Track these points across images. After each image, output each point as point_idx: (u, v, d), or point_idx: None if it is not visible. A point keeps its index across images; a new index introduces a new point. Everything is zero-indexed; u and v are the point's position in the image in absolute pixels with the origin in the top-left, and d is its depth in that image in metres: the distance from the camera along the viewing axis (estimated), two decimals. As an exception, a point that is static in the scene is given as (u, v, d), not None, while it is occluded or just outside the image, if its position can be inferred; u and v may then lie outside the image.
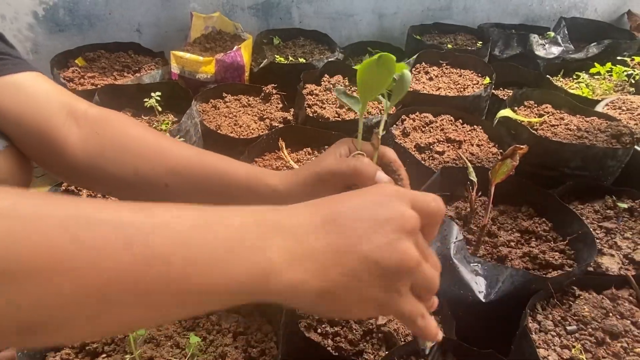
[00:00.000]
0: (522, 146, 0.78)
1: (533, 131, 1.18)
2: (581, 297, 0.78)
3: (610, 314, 0.75)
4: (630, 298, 0.78)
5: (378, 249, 0.37)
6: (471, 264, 0.84)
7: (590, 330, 0.73)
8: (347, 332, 0.73)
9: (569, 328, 0.74)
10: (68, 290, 0.28)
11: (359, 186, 0.60)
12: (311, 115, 1.24)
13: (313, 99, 1.33)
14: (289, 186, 0.61)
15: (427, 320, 0.40)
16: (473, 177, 0.91)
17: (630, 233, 0.99)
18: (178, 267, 0.31)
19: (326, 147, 1.13)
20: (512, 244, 0.91)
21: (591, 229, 0.94)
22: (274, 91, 1.40)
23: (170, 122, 0.88)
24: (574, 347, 0.71)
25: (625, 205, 1.05)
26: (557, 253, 0.88)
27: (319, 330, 0.73)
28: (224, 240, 0.33)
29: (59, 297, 0.28)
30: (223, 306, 0.35)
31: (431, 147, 1.16)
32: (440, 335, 0.41)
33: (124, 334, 0.68)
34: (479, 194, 0.94)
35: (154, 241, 0.30)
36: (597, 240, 0.95)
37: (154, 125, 0.94)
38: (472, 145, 1.20)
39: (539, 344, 0.72)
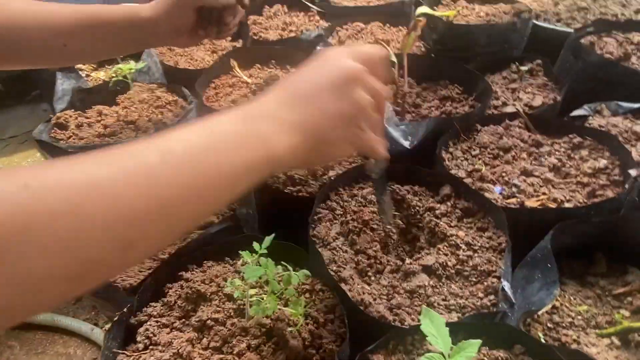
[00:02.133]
0: (420, 19, 0.97)
1: (446, 21, 1.36)
2: (483, 131, 1.00)
3: (504, 137, 0.97)
4: (520, 124, 1.00)
5: (335, 104, 0.49)
6: (399, 127, 1.04)
7: (488, 150, 0.95)
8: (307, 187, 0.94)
9: (473, 152, 0.96)
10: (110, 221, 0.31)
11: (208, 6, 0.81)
12: (256, 39, 1.40)
13: (257, 28, 1.48)
14: (156, 14, 0.80)
15: (382, 147, 0.56)
16: (393, 58, 1.10)
17: (531, 88, 1.20)
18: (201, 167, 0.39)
19: (273, 61, 1.30)
20: (433, 108, 1.12)
21: (496, 88, 1.16)
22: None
23: (134, 64, 1.04)
24: (477, 163, 0.93)
25: (526, 68, 1.26)
26: (466, 107, 1.09)
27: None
28: (227, 141, 0.42)
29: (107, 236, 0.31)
30: (243, 188, 0.43)
31: (363, 48, 1.34)
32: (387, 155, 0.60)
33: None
34: (401, 72, 1.13)
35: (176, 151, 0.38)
36: (504, 99, 1.16)
37: (118, 70, 1.09)
38: (399, 42, 1.38)
39: (451, 167, 0.93)
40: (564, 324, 0.69)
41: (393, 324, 0.63)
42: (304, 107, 0.48)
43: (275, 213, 0.93)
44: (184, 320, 0.67)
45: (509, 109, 1.11)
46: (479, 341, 0.43)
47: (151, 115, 1.09)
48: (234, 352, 0.62)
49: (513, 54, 1.31)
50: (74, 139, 1.04)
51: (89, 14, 0.78)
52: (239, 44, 1.51)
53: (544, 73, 1.23)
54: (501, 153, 0.94)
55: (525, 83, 1.23)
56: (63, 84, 1.32)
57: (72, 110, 1.11)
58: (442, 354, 0.42)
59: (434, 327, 0.43)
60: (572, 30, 1.31)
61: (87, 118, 1.10)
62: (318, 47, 1.40)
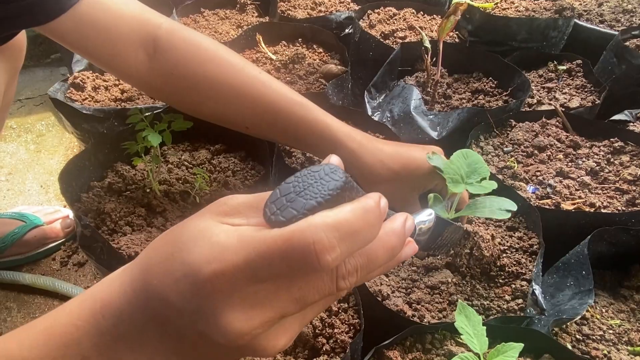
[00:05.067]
0: (461, 1, 0.91)
1: (484, 12, 1.30)
2: (517, 127, 0.94)
3: (539, 135, 0.91)
4: (557, 124, 0.94)
5: None
6: (428, 116, 0.99)
7: (522, 147, 0.89)
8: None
9: (505, 149, 0.90)
10: None
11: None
12: (284, 16, 1.35)
13: (286, 5, 1.43)
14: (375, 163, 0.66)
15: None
16: (427, 43, 1.05)
17: (568, 88, 1.14)
18: None
19: (300, 39, 1.25)
20: (464, 101, 1.07)
21: (532, 84, 1.10)
22: (249, 2, 1.50)
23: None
24: (509, 160, 0.87)
25: (564, 67, 1.20)
26: (499, 102, 1.03)
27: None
28: None
29: None
30: None
31: (395, 34, 1.29)
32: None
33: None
34: (434, 59, 1.08)
35: None
36: (540, 98, 1.10)
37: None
38: (432, 31, 1.32)
39: (481, 161, 0.88)
40: (594, 337, 0.63)
41: (412, 319, 0.58)
42: None
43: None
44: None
45: (544, 109, 1.05)
46: (520, 345, 0.38)
47: (170, 83, 1.05)
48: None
49: (551, 52, 1.25)
50: (89, 101, 1.01)
51: (283, 115, 0.66)
52: (265, 19, 1.46)
53: (583, 74, 1.17)
54: (536, 152, 0.88)
55: (562, 83, 1.17)
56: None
57: (90, 72, 1.08)
58: (478, 355, 0.37)
59: (470, 326, 0.39)
60: (616, 32, 1.25)
61: (105, 81, 1.06)
62: (347, 30, 1.35)
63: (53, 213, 1.10)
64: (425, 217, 0.39)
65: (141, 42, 0.67)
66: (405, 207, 0.66)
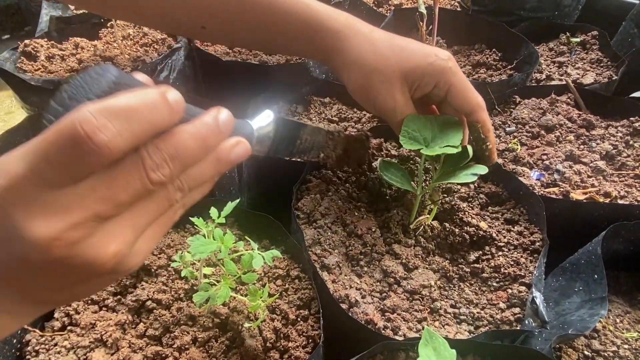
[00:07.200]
0: (460, -43, 0.79)
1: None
2: (522, 104, 0.82)
3: (548, 113, 0.79)
4: (569, 100, 0.82)
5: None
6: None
7: (527, 127, 0.78)
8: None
9: (507, 129, 0.79)
10: None
11: None
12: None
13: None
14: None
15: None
16: (422, 9, 0.92)
17: (582, 63, 1.02)
18: None
19: None
20: (463, 75, 0.94)
21: (541, 58, 0.97)
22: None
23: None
24: (511, 142, 0.76)
25: (578, 40, 1.07)
26: (503, 77, 0.91)
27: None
28: None
29: None
30: None
31: (389, 1, 1.16)
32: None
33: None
34: (430, 27, 0.95)
35: None
36: (549, 73, 0.98)
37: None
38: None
39: (479, 143, 0.76)
40: (606, 354, 0.53)
41: (383, 332, 0.48)
42: None
43: (262, 180, 0.78)
44: (120, 297, 0.53)
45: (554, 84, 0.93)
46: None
47: (134, 53, 0.94)
48: (174, 345, 0.48)
49: (564, 23, 1.12)
50: (41, 71, 0.90)
51: (250, 3, 0.57)
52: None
53: (599, 47, 1.04)
54: (543, 132, 0.76)
55: (575, 57, 1.04)
56: (48, 15, 1.17)
57: (46, 39, 0.97)
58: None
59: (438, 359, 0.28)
60: (637, 1, 1.11)
61: (62, 50, 0.95)
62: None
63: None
64: (264, 118, 0.37)
65: None
66: (394, 109, 0.55)
